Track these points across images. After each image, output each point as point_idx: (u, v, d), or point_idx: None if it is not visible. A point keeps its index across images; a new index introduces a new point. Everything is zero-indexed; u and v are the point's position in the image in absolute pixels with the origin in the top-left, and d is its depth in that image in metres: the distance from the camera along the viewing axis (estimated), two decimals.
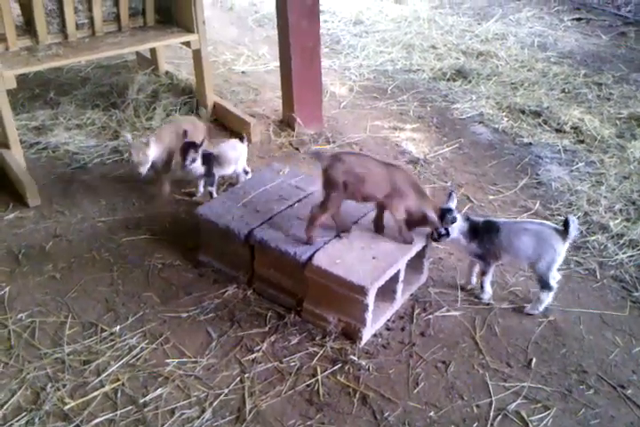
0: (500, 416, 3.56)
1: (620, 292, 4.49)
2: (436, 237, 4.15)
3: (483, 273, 4.36)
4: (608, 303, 4.40)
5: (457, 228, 4.15)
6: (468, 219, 4.24)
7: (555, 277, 4.25)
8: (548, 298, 4.25)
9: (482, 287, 4.40)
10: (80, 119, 6.50)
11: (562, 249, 4.11)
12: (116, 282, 4.44)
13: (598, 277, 4.64)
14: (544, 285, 4.19)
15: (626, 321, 4.23)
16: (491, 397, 3.67)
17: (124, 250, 4.76)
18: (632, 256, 4.84)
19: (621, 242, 4.98)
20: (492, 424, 3.51)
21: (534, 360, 3.92)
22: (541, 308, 4.28)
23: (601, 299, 4.43)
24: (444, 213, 4.07)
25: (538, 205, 5.46)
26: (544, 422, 3.52)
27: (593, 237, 5.01)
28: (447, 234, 4.11)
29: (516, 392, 3.70)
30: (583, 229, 5.05)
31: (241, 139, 5.33)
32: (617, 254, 4.84)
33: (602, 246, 4.95)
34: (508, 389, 3.73)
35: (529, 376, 3.81)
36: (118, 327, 4.04)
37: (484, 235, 4.19)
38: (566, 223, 4.04)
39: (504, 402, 3.65)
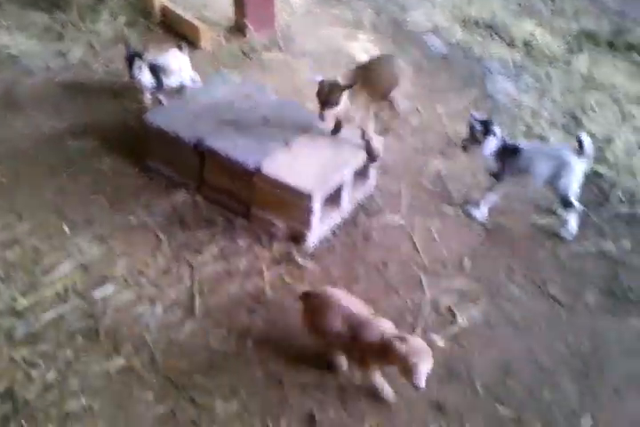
0: (432, 310, 3.84)
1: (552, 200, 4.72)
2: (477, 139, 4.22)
3: (490, 192, 4.46)
4: (539, 210, 4.65)
5: (494, 141, 4.22)
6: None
7: (575, 196, 4.27)
8: (573, 218, 4.35)
9: (480, 205, 4.50)
10: (22, 21, 6.15)
11: (580, 168, 4.18)
12: (64, 187, 4.43)
13: (536, 186, 4.84)
14: (566, 203, 4.28)
15: (555, 225, 4.49)
16: (425, 293, 3.94)
17: (71, 155, 4.70)
18: None
19: None
20: (425, 317, 3.79)
21: (468, 262, 4.18)
22: (573, 229, 4.37)
23: (534, 207, 4.67)
24: (488, 124, 4.16)
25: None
26: (472, 315, 3.83)
27: None
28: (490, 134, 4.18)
29: (449, 290, 3.98)
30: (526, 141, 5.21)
31: (180, 47, 5.09)
32: None
33: None
34: (441, 287, 4.00)
35: (461, 276, 4.08)
36: (68, 229, 4.09)
37: (506, 155, 4.26)
38: (580, 142, 4.13)
39: (437, 298, 3.92)
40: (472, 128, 4.22)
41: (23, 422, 3.08)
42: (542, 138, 5.24)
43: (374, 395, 3.31)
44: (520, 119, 5.47)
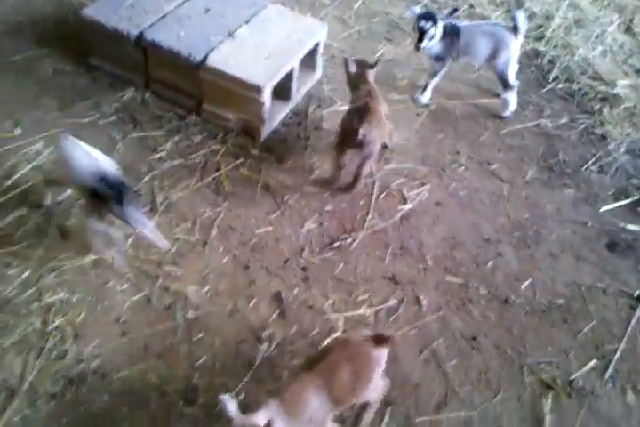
0: (383, 193, 4.05)
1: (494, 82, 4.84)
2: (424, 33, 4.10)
3: (433, 75, 4.50)
4: (481, 92, 4.78)
5: (440, 29, 4.15)
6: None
7: (513, 76, 4.36)
8: (512, 97, 4.45)
9: (424, 89, 4.57)
10: None
11: (516, 46, 4.23)
12: (9, 91, 4.29)
13: (476, 67, 4.93)
14: (505, 84, 4.37)
15: (498, 106, 4.65)
16: (373, 177, 4.13)
17: (9, 57, 4.50)
18: None
19: None
20: (376, 199, 4.01)
21: (415, 145, 4.35)
22: (511, 108, 4.52)
23: (477, 90, 4.79)
24: (433, 17, 4.06)
25: None
26: (420, 195, 4.06)
27: None
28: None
29: (398, 172, 4.18)
30: (468, 21, 5.21)
31: None
32: None
33: None
34: (390, 170, 4.19)
35: (409, 159, 4.27)
36: (20, 131, 4.04)
37: (447, 37, 4.22)
38: (514, 20, 4.14)
39: (387, 181, 4.13)
40: (421, 29, 4.12)
41: (6, 318, 3.26)
42: (484, 17, 5.25)
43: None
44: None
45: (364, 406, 2.99)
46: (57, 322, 3.26)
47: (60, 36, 4.65)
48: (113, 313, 3.34)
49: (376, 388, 2.82)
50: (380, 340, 2.71)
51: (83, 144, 3.17)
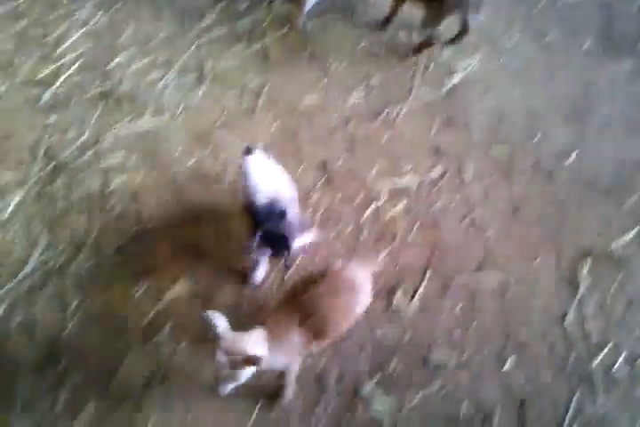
0: (432, 64, 3.84)
1: None
2: None
3: None
4: None
5: None
6: None
7: None
8: None
9: None
10: None
11: None
12: None
13: None
14: None
15: None
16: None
17: None
18: None
19: None
20: (425, 70, 3.82)
21: None
22: None
23: None
24: None
25: None
26: (470, 66, 3.83)
27: None
28: None
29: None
30: None
31: None
32: None
33: None
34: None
35: None
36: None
37: None
38: None
39: (436, 52, 3.89)
40: None
41: (68, 178, 3.34)
42: None
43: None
44: None
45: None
46: (116, 184, 3.33)
47: None
48: (168, 176, 3.39)
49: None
50: (362, 263, 2.58)
51: (269, 162, 2.88)
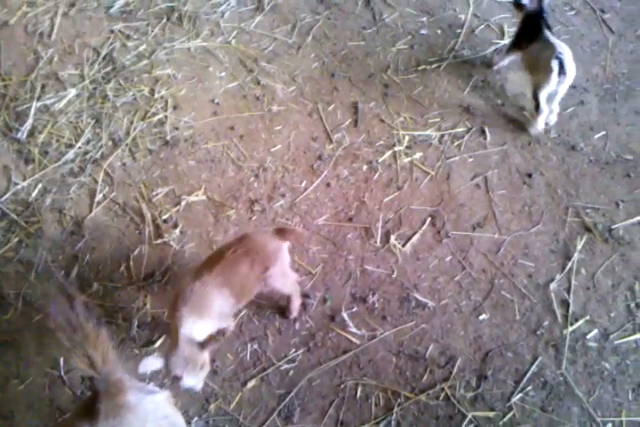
0: (482, 25, 3.27)
1: None
2: None
3: None
4: None
5: None
6: None
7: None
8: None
9: None
10: None
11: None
12: None
13: None
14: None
15: None
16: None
17: None
18: None
19: None
20: (473, 30, 3.26)
21: None
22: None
23: None
24: None
25: None
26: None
27: None
28: None
29: (500, 6, 3.34)
30: None
31: None
32: None
33: None
34: (489, 3, 3.35)
35: None
36: None
37: None
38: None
39: (488, 13, 3.29)
40: None
41: (121, 81, 3.06)
42: None
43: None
44: None
45: (288, 300, 2.43)
46: (162, 93, 3.01)
47: None
48: (210, 94, 3.03)
49: (285, 281, 2.29)
50: (281, 233, 2.20)
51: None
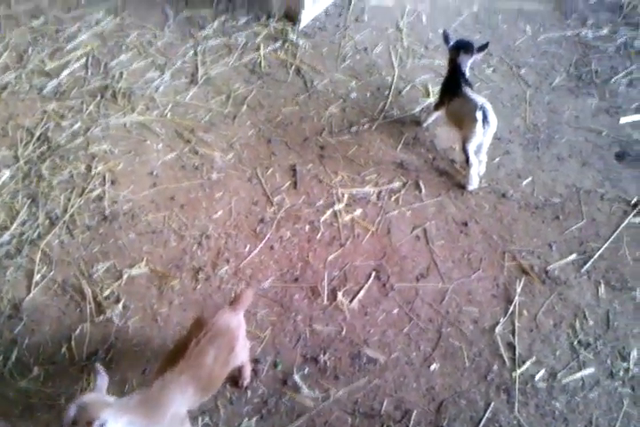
0: (408, 86, 3.82)
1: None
2: None
3: None
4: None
5: None
6: None
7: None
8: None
9: None
10: None
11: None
12: None
13: None
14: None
15: (541, 14, 4.20)
16: (399, 71, 3.89)
17: None
18: None
19: None
20: (401, 94, 3.80)
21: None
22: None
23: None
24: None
25: None
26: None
27: None
28: None
29: (426, 68, 3.90)
30: None
31: None
32: None
33: None
34: (419, 65, 3.92)
35: (438, 56, 3.97)
36: (84, 1, 3.99)
37: None
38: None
39: (413, 75, 3.87)
40: None
41: (57, 160, 3.38)
42: None
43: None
44: None
45: (240, 368, 2.60)
46: (99, 168, 3.35)
47: None
48: (147, 167, 3.39)
49: (246, 352, 2.48)
50: (236, 303, 2.38)
51: None
